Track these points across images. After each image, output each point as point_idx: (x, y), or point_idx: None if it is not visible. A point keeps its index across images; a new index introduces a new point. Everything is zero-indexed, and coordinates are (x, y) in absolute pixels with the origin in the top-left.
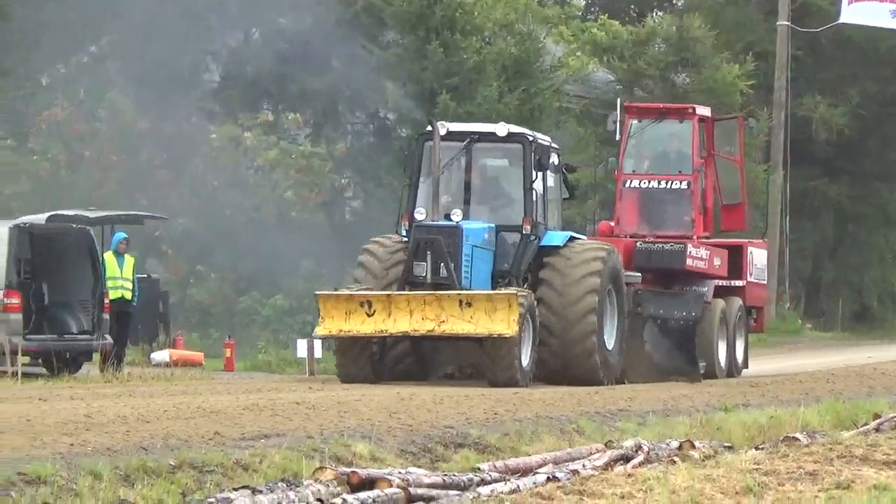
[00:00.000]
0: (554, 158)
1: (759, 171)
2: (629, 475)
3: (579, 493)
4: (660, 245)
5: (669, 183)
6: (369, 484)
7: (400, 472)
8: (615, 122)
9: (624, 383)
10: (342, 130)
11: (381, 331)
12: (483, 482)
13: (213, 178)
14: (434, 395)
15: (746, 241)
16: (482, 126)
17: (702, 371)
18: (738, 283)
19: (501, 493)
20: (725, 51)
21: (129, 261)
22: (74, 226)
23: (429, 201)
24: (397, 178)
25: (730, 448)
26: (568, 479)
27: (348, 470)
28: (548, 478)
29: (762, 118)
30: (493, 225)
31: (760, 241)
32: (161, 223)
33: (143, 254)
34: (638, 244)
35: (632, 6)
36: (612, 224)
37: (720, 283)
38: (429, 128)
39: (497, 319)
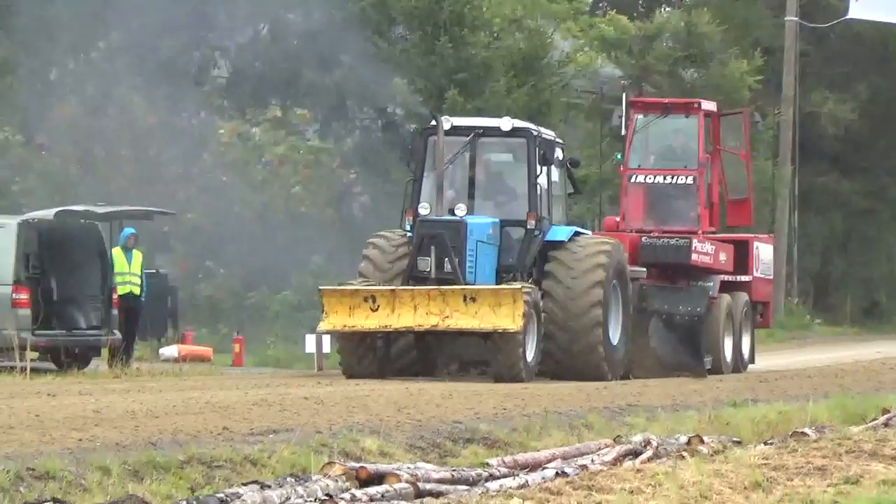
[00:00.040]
0: (558, 153)
1: (767, 167)
2: (638, 470)
3: (588, 489)
4: (665, 240)
5: (675, 178)
6: (378, 479)
7: (409, 468)
8: (620, 118)
9: (629, 378)
10: (350, 126)
11: (385, 326)
12: (492, 477)
13: (221, 173)
14: (443, 391)
15: (752, 235)
16: (486, 120)
17: (707, 366)
18: (745, 278)
19: (510, 488)
20: (734, 46)
21: (137, 256)
22: (83, 221)
23: (433, 196)
24: (406, 174)
25: (738, 443)
26: (577, 474)
27: (357, 465)
28: (556, 473)
29: (770, 114)
30: (497, 220)
31: (766, 236)
32: (170, 219)
33: (151, 249)
34: (643, 239)
35: (640, 2)
36: (618, 219)
37: (726, 279)
38: (433, 122)
39: (501, 315)
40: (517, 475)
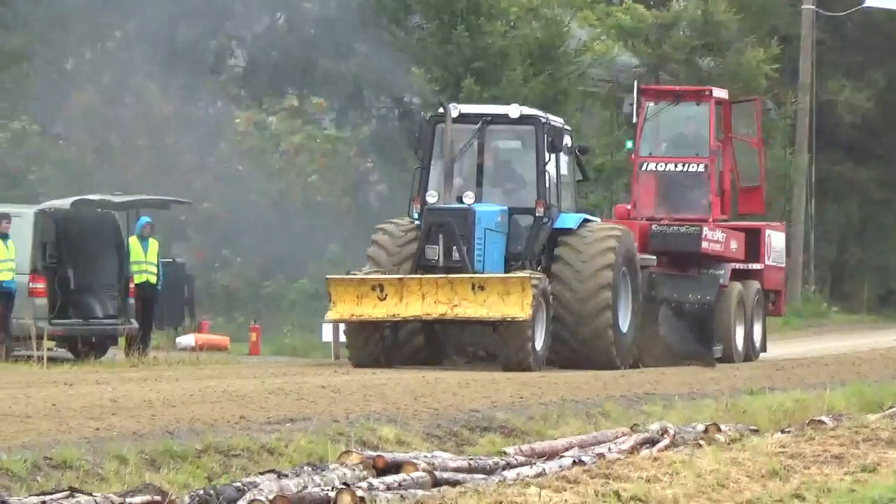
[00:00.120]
0: (567, 140)
1: (784, 155)
2: (655, 459)
3: (605, 477)
4: (675, 228)
5: (686, 165)
6: (395, 468)
7: (426, 456)
8: (632, 105)
9: (639, 367)
10: (367, 115)
11: (393, 315)
12: (509, 466)
13: (238, 162)
14: (460, 379)
15: (764, 223)
16: (494, 108)
17: (718, 355)
18: (756, 266)
19: (527, 476)
20: (750, 35)
21: (153, 245)
22: (100, 210)
23: (441, 184)
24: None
25: (755, 431)
26: (594, 462)
27: (374, 454)
28: (574, 461)
29: (787, 102)
30: (505, 208)
31: (779, 223)
32: (186, 208)
33: (168, 238)
34: (653, 227)
35: None
36: (629, 207)
37: (737, 267)
38: (440, 110)
39: (510, 303)
40: (534, 464)
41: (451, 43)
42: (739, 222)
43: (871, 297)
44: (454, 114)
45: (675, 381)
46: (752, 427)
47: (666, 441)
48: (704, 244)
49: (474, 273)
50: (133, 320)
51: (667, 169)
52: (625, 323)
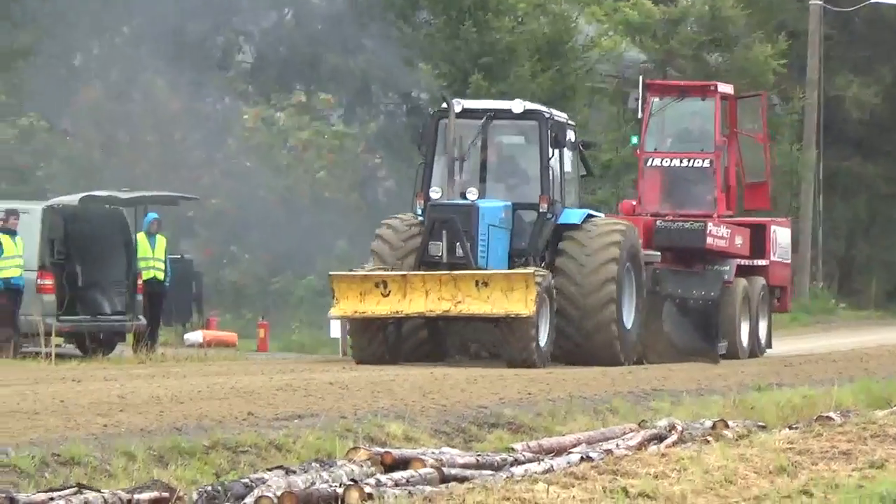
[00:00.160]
0: (570, 135)
1: (792, 151)
2: (663, 455)
3: (613, 473)
4: (679, 224)
5: (692, 161)
6: (403, 464)
7: (433, 452)
8: (637, 100)
9: (643, 363)
10: (375, 111)
11: (397, 311)
12: (517, 462)
13: (245, 158)
14: (468, 376)
15: (770, 219)
16: (498, 103)
17: (723, 351)
18: (762, 262)
19: (535, 473)
20: (758, 30)
21: (160, 241)
22: (108, 207)
23: (444, 180)
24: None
25: (763, 428)
26: (601, 458)
27: (382, 450)
28: (581, 458)
29: (795, 97)
30: (509, 203)
31: (784, 219)
32: (194, 204)
33: (176, 234)
34: (657, 223)
35: None
36: (635, 203)
37: (743, 263)
38: (444, 105)
39: (514, 299)
40: (542, 460)
41: (458, 39)
42: (745, 218)
43: (879, 293)
44: (457, 109)
45: (683, 378)
46: (760, 423)
47: (674, 437)
48: (709, 240)
49: (478, 269)
50: (141, 317)
51: (672, 164)
52: (629, 319)
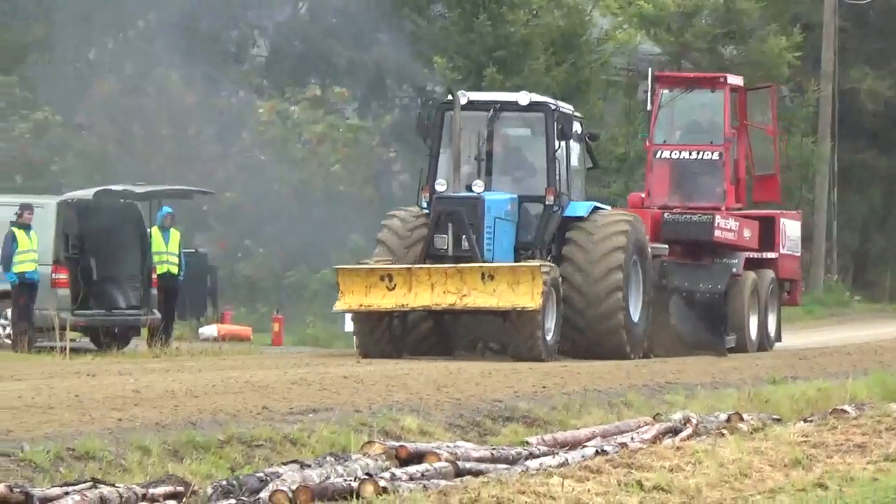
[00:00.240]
0: (577, 127)
1: (806, 144)
2: (677, 448)
3: (628, 467)
4: (687, 216)
5: (701, 153)
6: (417, 458)
7: (448, 446)
8: (646, 93)
9: (650, 357)
10: (389, 104)
11: (402, 305)
12: (531, 456)
13: (260, 152)
14: (482, 369)
15: (779, 212)
16: (504, 95)
17: (731, 345)
18: (771, 255)
19: (550, 466)
20: (773, 23)
21: (174, 235)
22: (122, 201)
23: (450, 172)
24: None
25: (778, 421)
26: (616, 452)
27: (396, 444)
28: (596, 451)
29: (809, 90)
30: (515, 196)
31: (794, 212)
32: (209, 198)
33: (190, 228)
34: (665, 215)
35: None
36: (643, 195)
37: (751, 256)
38: (449, 97)
39: (520, 292)
40: (557, 453)
41: (473, 32)
42: (754, 211)
43: (894, 286)
44: (463, 101)
45: (698, 371)
46: (775, 416)
47: (688, 430)
48: (717, 233)
49: (484, 262)
50: (155, 311)
51: (681, 157)
52: (636, 313)
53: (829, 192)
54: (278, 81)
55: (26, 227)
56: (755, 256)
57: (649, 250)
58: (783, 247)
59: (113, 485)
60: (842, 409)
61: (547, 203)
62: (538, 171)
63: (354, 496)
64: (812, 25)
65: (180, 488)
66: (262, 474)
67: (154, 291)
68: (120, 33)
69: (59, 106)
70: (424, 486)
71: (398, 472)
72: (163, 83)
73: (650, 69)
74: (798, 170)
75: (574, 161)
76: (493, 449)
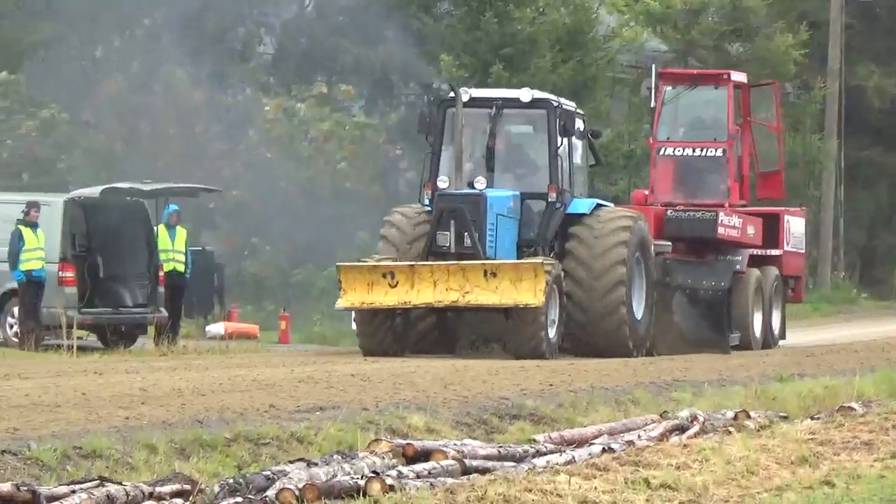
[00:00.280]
0: (579, 124)
1: (813, 141)
2: (685, 446)
3: (635, 464)
4: (690, 213)
5: (704, 150)
6: (424, 456)
7: (455, 444)
8: (649, 89)
9: (653, 355)
10: (395, 102)
11: (405, 302)
12: (538, 453)
13: (266, 150)
14: (489, 367)
15: (783, 209)
16: (506, 92)
17: (735, 342)
18: (775, 252)
19: (557, 464)
20: (779, 20)
21: (181, 233)
22: (129, 199)
23: (452, 169)
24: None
25: (785, 418)
26: (623, 449)
27: (403, 442)
28: (603, 449)
29: (816, 87)
30: (517, 193)
31: (798, 209)
32: (215, 195)
33: (197, 226)
34: (668, 212)
35: None
36: (647, 192)
37: (755, 253)
38: (451, 94)
39: (523, 289)
40: (564, 451)
41: (479, 29)
42: (757, 207)
43: None
44: (465, 98)
45: (705, 368)
46: (782, 414)
47: (695, 428)
48: (720, 230)
49: (486, 259)
50: (162, 309)
51: (685, 153)
52: (639, 309)
53: (836, 189)
54: (285, 79)
55: (33, 226)
56: (759, 253)
57: (652, 247)
58: (787, 244)
59: (120, 483)
60: (849, 407)
61: (549, 200)
62: (540, 168)
63: (361, 494)
64: (819, 23)
65: (187, 486)
66: (268, 472)
67: (161, 289)
68: (126, 31)
69: (65, 104)
70: (431, 484)
71: (405, 470)
72: (169, 81)
73: (653, 66)
74: (805, 167)
75: (576, 158)
76: (500, 447)
